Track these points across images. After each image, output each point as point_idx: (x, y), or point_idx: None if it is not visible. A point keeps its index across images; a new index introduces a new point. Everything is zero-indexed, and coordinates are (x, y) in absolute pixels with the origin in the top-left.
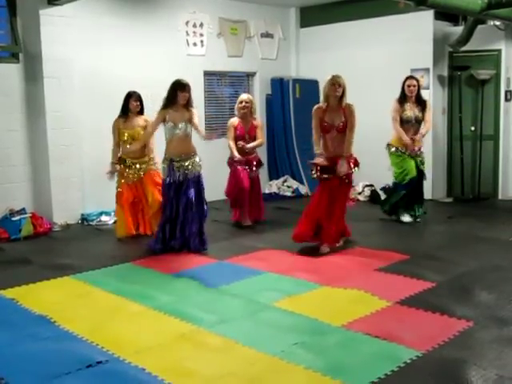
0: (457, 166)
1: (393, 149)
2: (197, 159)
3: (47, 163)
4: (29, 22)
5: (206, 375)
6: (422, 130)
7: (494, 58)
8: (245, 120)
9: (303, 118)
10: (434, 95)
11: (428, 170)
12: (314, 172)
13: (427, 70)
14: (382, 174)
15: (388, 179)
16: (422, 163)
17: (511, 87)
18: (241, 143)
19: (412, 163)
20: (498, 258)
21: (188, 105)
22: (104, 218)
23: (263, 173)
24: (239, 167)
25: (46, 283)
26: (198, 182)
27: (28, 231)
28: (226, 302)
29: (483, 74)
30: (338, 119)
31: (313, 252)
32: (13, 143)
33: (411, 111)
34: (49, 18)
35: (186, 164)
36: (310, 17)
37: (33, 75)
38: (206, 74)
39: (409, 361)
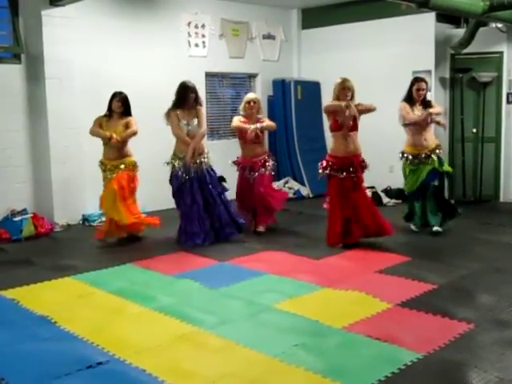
0: (458, 168)
1: (409, 157)
2: (205, 156)
3: (48, 164)
4: (31, 23)
5: (207, 376)
6: (435, 109)
7: (495, 61)
8: (251, 119)
9: (305, 120)
10: (435, 97)
11: None
12: (324, 169)
13: (429, 72)
14: (383, 176)
15: (389, 181)
16: (441, 164)
17: None
18: (253, 127)
19: (423, 172)
20: (499, 261)
21: (196, 103)
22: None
23: None
24: (241, 172)
25: (46, 284)
26: (211, 176)
27: (29, 232)
28: (227, 304)
29: (485, 76)
30: (348, 119)
31: (314, 253)
32: (14, 144)
33: (420, 112)
34: (51, 18)
35: (198, 161)
36: (311, 18)
37: (34, 76)
38: (208, 75)
39: (409, 363)
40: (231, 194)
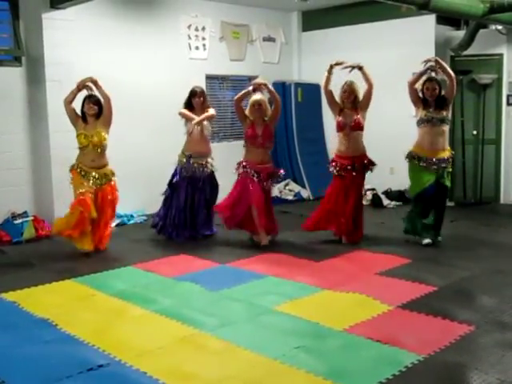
0: (459, 170)
1: (413, 158)
2: (210, 159)
3: (49, 166)
4: (31, 26)
5: (207, 378)
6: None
7: (495, 63)
8: (257, 122)
9: (305, 122)
10: None
11: None
12: (333, 167)
13: None
14: (384, 178)
15: (390, 183)
16: (444, 176)
17: None
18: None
19: (428, 177)
20: (500, 263)
21: (204, 106)
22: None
23: None
24: (249, 178)
25: (47, 286)
26: (212, 179)
27: (30, 234)
28: (228, 306)
29: (485, 78)
30: (351, 118)
31: (314, 256)
32: (15, 146)
33: (434, 112)
34: (51, 21)
35: (203, 162)
36: (312, 21)
37: (35, 78)
38: (208, 77)
39: (410, 365)
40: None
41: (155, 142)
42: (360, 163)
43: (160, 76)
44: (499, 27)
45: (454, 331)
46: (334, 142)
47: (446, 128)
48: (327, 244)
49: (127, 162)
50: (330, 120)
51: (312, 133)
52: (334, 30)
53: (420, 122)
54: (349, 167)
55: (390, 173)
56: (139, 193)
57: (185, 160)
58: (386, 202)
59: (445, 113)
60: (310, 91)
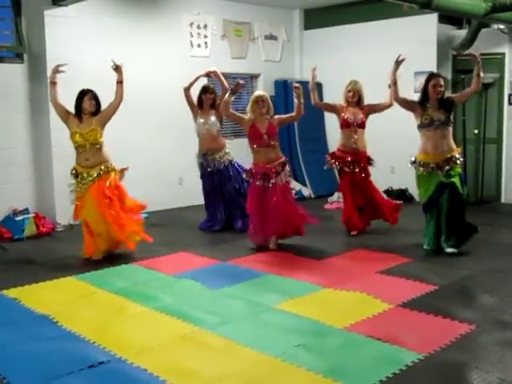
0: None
1: (418, 165)
2: (225, 151)
3: (50, 163)
4: (33, 23)
5: (208, 376)
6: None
7: (497, 62)
8: (261, 120)
9: (306, 120)
10: None
11: None
12: (333, 163)
13: None
14: (385, 177)
15: (391, 182)
16: (452, 175)
17: None
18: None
19: (435, 180)
20: (501, 262)
21: (214, 104)
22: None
23: None
24: (253, 182)
25: (48, 283)
26: (231, 169)
27: (31, 231)
28: (228, 304)
29: (487, 77)
30: (357, 116)
31: (315, 254)
32: (16, 143)
33: (436, 114)
34: (53, 18)
35: (218, 156)
36: (313, 19)
37: (37, 75)
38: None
39: (411, 364)
40: None
41: (157, 140)
42: (364, 158)
43: (161, 74)
44: (501, 26)
45: (455, 330)
46: (335, 139)
47: (450, 129)
48: (328, 242)
49: (129, 159)
50: (331, 118)
51: (313, 131)
52: (336, 29)
53: (421, 127)
54: (351, 162)
55: (390, 172)
56: (140, 190)
57: (201, 160)
58: None
59: (448, 115)
60: None
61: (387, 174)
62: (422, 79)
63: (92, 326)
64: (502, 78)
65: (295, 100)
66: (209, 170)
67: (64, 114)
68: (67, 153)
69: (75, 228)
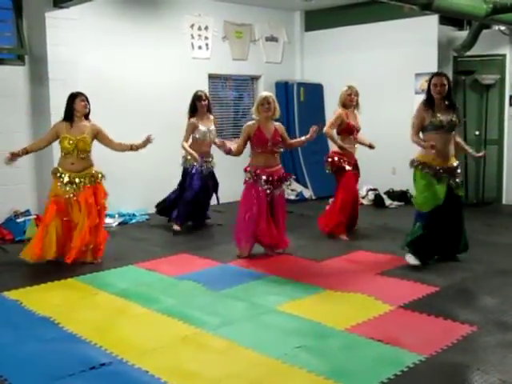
0: (461, 171)
1: (419, 166)
2: (211, 159)
3: (52, 165)
4: (34, 25)
5: (209, 377)
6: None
7: (498, 63)
8: (266, 124)
9: (307, 122)
10: None
11: None
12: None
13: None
14: (386, 178)
15: (392, 183)
16: (458, 186)
17: None
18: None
19: (441, 189)
20: (502, 263)
21: (208, 110)
22: (108, 220)
23: None
24: (254, 187)
25: (49, 285)
26: (213, 176)
27: (32, 233)
28: (229, 305)
29: (488, 78)
30: (357, 121)
31: (316, 256)
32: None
33: (444, 115)
34: (54, 20)
35: (210, 161)
36: (314, 20)
37: (38, 77)
38: (211, 77)
39: (412, 365)
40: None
41: (157, 141)
42: (356, 162)
43: (162, 75)
44: (502, 28)
45: (456, 331)
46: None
47: (454, 133)
48: (329, 244)
49: (129, 161)
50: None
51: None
52: (336, 30)
53: (429, 128)
54: (351, 163)
55: (391, 173)
56: (141, 192)
57: (199, 161)
58: (387, 202)
59: (455, 116)
60: (313, 91)
61: (388, 175)
62: (422, 80)
63: (93, 327)
64: (502, 80)
65: (303, 138)
66: (203, 171)
67: (54, 135)
68: None
69: None
